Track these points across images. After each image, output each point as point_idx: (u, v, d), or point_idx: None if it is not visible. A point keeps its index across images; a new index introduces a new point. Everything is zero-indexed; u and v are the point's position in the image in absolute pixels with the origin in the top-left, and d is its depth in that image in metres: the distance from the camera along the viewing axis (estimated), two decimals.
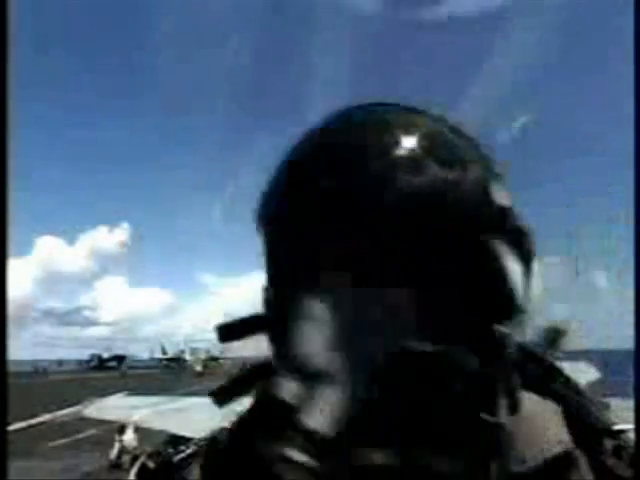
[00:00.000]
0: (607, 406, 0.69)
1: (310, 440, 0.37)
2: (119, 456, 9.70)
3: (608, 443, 0.56)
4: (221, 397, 0.49)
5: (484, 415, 0.42)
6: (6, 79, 1.19)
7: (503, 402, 0.43)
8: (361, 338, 0.41)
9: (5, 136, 1.19)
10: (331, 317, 0.41)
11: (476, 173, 0.45)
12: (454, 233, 0.43)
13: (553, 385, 0.67)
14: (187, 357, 62.75)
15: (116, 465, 9.62)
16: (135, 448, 9.13)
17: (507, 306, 0.45)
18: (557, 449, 0.48)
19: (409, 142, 0.45)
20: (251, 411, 0.39)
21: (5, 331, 1.22)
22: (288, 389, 0.38)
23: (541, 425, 0.50)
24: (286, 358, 0.40)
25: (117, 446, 9.82)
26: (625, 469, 0.52)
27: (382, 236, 0.42)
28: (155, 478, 0.57)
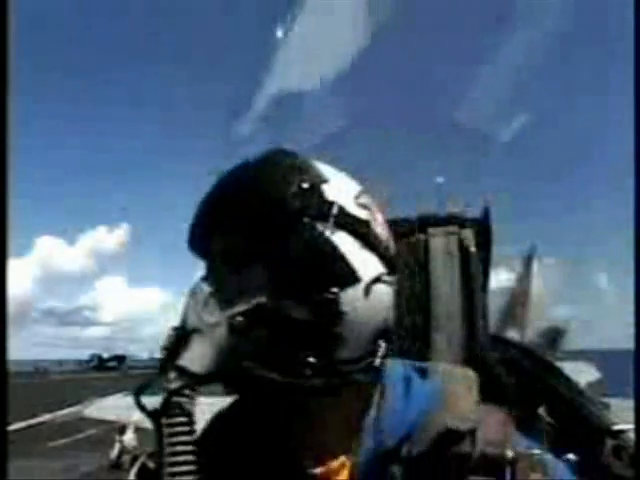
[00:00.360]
0: (607, 406, 0.69)
1: (183, 375, 0.56)
2: (119, 456, 9.68)
3: (608, 443, 0.56)
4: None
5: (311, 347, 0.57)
6: (6, 79, 1.19)
7: (330, 342, 0.57)
8: (226, 303, 0.58)
9: (5, 136, 1.19)
10: (208, 291, 0.60)
11: (307, 184, 0.60)
12: (288, 224, 0.58)
13: (553, 385, 0.67)
14: None
15: (116, 465, 9.60)
16: (135, 448, 9.13)
17: (334, 272, 0.58)
18: (461, 425, 0.56)
19: (267, 174, 0.61)
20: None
21: (5, 331, 1.22)
22: (170, 340, 0.59)
23: (453, 400, 0.59)
24: (179, 320, 0.60)
25: (117, 446, 9.81)
26: (625, 469, 0.53)
27: (240, 233, 0.60)
28: (155, 478, 0.57)
